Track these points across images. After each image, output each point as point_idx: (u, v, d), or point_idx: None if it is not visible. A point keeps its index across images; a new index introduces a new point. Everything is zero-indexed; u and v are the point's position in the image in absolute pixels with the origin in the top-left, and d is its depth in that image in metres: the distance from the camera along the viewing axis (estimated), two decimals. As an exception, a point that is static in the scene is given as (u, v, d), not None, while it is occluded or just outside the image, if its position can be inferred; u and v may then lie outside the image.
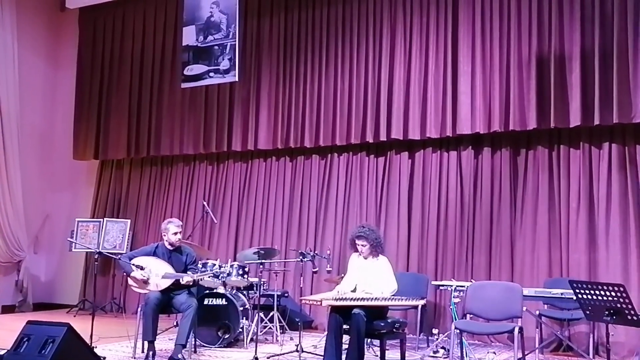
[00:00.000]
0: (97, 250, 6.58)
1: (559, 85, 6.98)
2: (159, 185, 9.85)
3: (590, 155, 7.14)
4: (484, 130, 7.38)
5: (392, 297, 5.36)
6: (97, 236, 9.33)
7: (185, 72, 8.58)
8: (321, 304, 5.40)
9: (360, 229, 5.64)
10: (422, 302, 5.71)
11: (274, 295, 7.11)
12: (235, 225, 9.07)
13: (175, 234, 6.00)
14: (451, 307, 6.23)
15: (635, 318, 4.14)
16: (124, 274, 6.25)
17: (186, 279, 5.78)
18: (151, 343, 5.69)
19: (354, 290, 5.56)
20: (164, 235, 6.06)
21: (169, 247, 6.03)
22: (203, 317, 6.35)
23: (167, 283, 5.82)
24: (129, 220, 9.53)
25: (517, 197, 7.47)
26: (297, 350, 5.98)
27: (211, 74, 8.34)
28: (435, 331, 7.05)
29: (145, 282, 5.82)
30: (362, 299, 5.27)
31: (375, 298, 5.29)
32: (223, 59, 8.20)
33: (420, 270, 7.70)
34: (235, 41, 8.09)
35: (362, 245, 5.54)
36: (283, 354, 6.16)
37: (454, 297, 6.18)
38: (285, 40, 8.79)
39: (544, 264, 7.16)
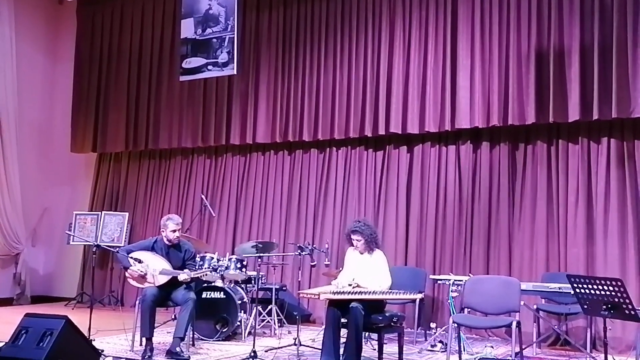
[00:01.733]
0: (95, 244, 6.56)
1: (558, 79, 6.97)
2: (157, 178, 9.84)
3: (588, 150, 7.15)
4: (482, 124, 7.37)
5: (390, 290, 5.36)
6: (95, 229, 9.32)
7: (183, 65, 8.56)
8: (319, 297, 5.40)
9: (356, 223, 5.63)
10: (420, 296, 5.72)
11: (272, 288, 7.12)
12: (234, 219, 9.07)
13: (174, 231, 5.98)
14: (449, 301, 6.25)
15: (632, 312, 4.15)
16: (122, 268, 6.23)
17: (183, 277, 5.76)
18: (149, 340, 5.69)
19: (351, 284, 5.56)
20: (163, 232, 6.04)
21: (167, 242, 6.02)
22: (201, 310, 6.34)
23: (164, 279, 5.81)
24: (127, 214, 9.52)
25: (515, 192, 7.47)
26: (295, 344, 5.98)
27: (210, 67, 8.32)
28: (433, 325, 7.07)
29: (143, 277, 5.81)
30: (360, 292, 5.28)
31: (374, 292, 5.29)
32: (222, 52, 8.18)
33: (419, 265, 7.71)
34: (234, 34, 8.06)
35: (357, 240, 5.54)
36: (281, 347, 6.16)
37: (452, 291, 6.19)
38: (284, 33, 8.77)
39: (542, 258, 7.17)
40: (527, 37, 7.21)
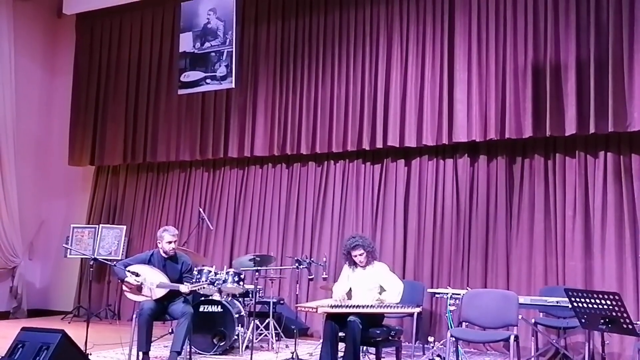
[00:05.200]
0: (93, 257, 6.56)
1: (555, 93, 7.01)
2: (154, 191, 9.83)
3: (585, 163, 7.16)
4: (480, 138, 7.39)
5: (388, 304, 5.36)
6: (93, 242, 9.29)
7: (181, 79, 8.57)
8: (317, 311, 5.40)
9: (353, 239, 5.63)
10: (417, 309, 5.71)
11: (269, 302, 7.09)
12: (231, 232, 9.05)
13: (170, 242, 5.97)
14: (447, 314, 6.23)
15: (630, 327, 4.14)
16: (118, 281, 6.21)
17: (184, 288, 5.76)
18: (146, 354, 5.67)
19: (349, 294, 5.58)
20: (159, 243, 6.03)
21: (164, 254, 6.01)
22: (198, 324, 6.33)
23: (162, 292, 5.80)
24: (124, 227, 9.50)
25: (513, 205, 7.48)
26: (292, 358, 5.96)
27: (208, 81, 8.33)
28: (431, 339, 7.04)
29: (139, 288, 5.79)
30: (358, 306, 5.27)
31: (371, 306, 5.29)
32: (220, 66, 8.20)
33: (416, 278, 7.69)
34: (232, 48, 8.08)
35: (360, 254, 5.54)
36: (278, 361, 6.15)
37: (449, 304, 6.18)
38: (282, 47, 8.81)
39: (539, 271, 7.17)
40: (523, 52, 7.25)
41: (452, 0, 7.76)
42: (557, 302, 5.67)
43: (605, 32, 6.84)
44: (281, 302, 7.60)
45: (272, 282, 7.65)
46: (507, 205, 7.49)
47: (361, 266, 5.60)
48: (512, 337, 5.25)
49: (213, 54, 8.27)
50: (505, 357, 6.72)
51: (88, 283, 8.96)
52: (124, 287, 5.92)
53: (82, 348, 5.18)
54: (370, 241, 5.75)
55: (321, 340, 5.58)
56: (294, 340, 6.18)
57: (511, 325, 5.48)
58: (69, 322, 8.82)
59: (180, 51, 8.62)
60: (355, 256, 5.56)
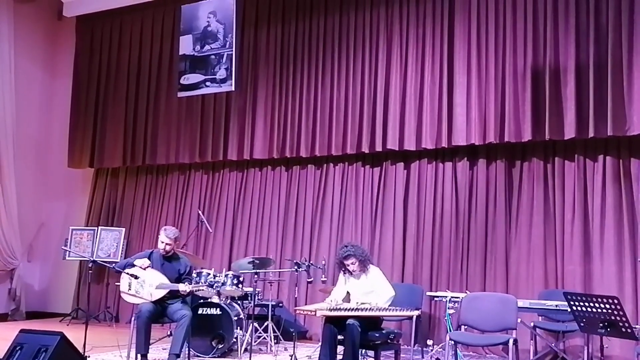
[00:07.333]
0: (92, 259, 6.54)
1: (554, 97, 7.02)
2: (154, 193, 9.83)
3: (584, 167, 7.17)
4: (479, 141, 7.40)
5: (387, 307, 5.36)
6: (92, 245, 9.29)
7: (181, 81, 8.58)
8: (315, 314, 5.40)
9: (345, 249, 5.62)
10: (416, 312, 5.72)
11: (268, 305, 7.09)
12: (230, 235, 9.05)
13: (162, 242, 5.95)
14: (446, 318, 6.23)
15: (629, 330, 4.15)
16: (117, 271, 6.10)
17: (182, 288, 5.75)
18: (144, 356, 5.66)
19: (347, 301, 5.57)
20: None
21: (164, 253, 6.00)
22: (197, 326, 6.32)
23: (161, 293, 5.79)
24: (123, 229, 9.50)
25: (512, 209, 7.48)
26: (291, 361, 5.95)
27: (208, 83, 8.33)
28: (429, 342, 7.04)
29: (136, 277, 5.73)
30: (357, 309, 5.27)
31: (370, 308, 5.28)
32: (220, 69, 8.21)
33: (415, 281, 7.69)
34: (232, 51, 8.09)
35: (352, 263, 5.54)
36: (277, 364, 6.14)
37: (448, 308, 6.18)
38: (282, 50, 8.82)
39: (539, 275, 7.16)
40: (523, 55, 7.26)
41: (451, 4, 7.78)
42: (556, 305, 5.68)
43: (605, 35, 6.85)
44: (280, 304, 7.59)
45: (271, 285, 7.65)
46: (506, 209, 7.49)
47: (355, 274, 5.59)
48: (511, 341, 5.25)
49: (213, 56, 8.28)
50: (504, 360, 6.71)
51: (87, 285, 8.92)
52: (122, 287, 5.89)
53: (81, 350, 5.16)
54: (363, 249, 5.73)
55: (320, 343, 5.58)
56: (292, 343, 6.17)
57: (510, 329, 5.49)
58: (68, 325, 8.81)
59: (180, 54, 8.63)
60: (348, 265, 5.56)
